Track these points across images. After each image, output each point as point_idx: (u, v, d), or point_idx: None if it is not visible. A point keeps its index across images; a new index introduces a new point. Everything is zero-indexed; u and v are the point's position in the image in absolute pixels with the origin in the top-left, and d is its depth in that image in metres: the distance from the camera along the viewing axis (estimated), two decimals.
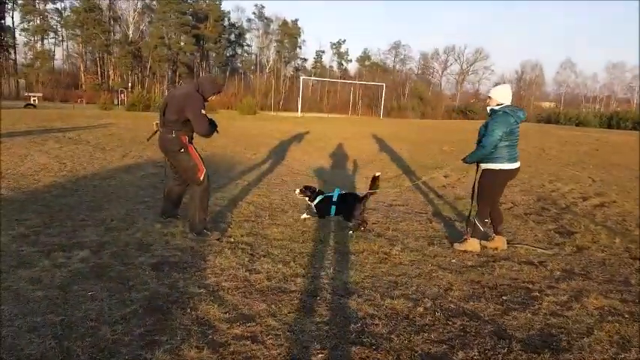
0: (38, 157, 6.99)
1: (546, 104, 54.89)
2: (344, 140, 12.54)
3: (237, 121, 18.49)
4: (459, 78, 64.08)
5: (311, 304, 2.60)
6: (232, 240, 3.71)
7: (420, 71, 66.85)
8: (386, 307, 2.61)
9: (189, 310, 2.43)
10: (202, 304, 2.50)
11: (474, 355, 2.15)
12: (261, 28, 60.83)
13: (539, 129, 19.68)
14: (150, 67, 51.53)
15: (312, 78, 56.48)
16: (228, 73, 57.77)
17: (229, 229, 4.02)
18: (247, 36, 62.30)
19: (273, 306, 2.54)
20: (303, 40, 65.06)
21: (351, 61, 67.46)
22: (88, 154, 7.68)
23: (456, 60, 63.58)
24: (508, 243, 3.93)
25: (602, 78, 62.17)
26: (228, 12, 60.16)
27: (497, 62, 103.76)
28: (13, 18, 47.00)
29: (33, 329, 2.14)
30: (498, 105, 3.66)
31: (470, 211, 3.96)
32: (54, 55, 50.97)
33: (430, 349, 2.19)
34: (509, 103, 3.68)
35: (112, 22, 52.27)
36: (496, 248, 3.83)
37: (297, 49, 63.50)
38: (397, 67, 66.83)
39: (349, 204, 4.17)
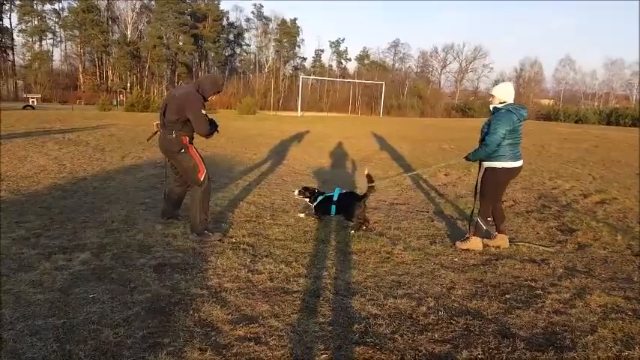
0: (37, 158, 6.98)
1: (545, 101, 54.84)
2: (344, 139, 12.53)
3: (237, 121, 18.48)
4: (457, 76, 64.01)
5: (314, 305, 2.59)
6: (234, 240, 3.70)
7: (419, 69, 66.86)
8: (389, 306, 2.61)
9: (191, 312, 2.42)
10: (205, 306, 2.49)
11: (478, 354, 2.14)
12: (260, 27, 60.77)
13: (538, 126, 19.69)
14: (148, 68, 51.43)
15: (312, 77, 56.43)
16: (227, 73, 57.72)
17: (231, 229, 4.01)
18: (246, 35, 62.25)
19: (275, 307, 2.54)
20: (302, 39, 65.02)
21: (350, 59, 67.48)
22: (88, 155, 7.67)
23: (454, 58, 63.56)
24: (510, 241, 3.92)
25: (600, 75, 61.91)
26: (227, 11, 60.16)
27: (497, 60, 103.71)
28: (10, 19, 46.91)
29: (34, 333, 2.13)
30: (501, 103, 3.65)
31: (472, 210, 3.95)
32: (52, 56, 50.88)
33: (434, 348, 2.18)
34: (512, 101, 3.67)
35: (110, 22, 52.15)
36: (498, 246, 3.83)
37: (296, 48, 63.47)
38: (396, 65, 66.87)
39: (349, 203, 4.17)
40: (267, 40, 61.15)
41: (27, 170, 6.11)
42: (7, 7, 45.62)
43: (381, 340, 2.23)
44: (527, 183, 6.85)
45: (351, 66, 67.73)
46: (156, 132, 3.91)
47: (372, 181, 4.29)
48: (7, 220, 3.86)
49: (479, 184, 3.85)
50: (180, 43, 53.67)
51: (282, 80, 60.11)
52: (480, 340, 2.26)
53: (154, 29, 51.26)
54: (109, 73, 51.66)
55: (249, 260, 3.26)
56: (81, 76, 49.05)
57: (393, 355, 2.11)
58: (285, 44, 61.45)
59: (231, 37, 61.27)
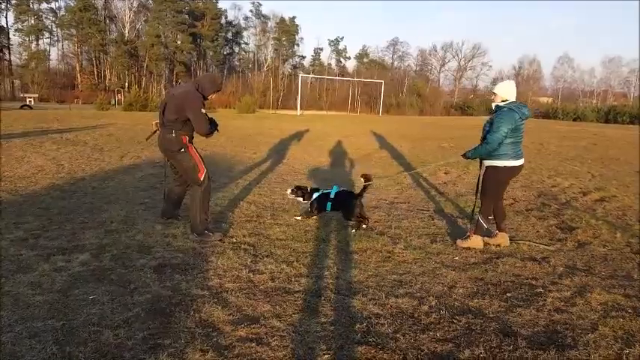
0: (35, 158, 6.95)
1: (544, 99, 54.90)
2: (344, 138, 12.51)
3: (237, 120, 18.45)
4: (456, 74, 64.06)
5: (315, 305, 2.58)
6: (234, 240, 3.69)
7: (418, 68, 66.84)
8: (391, 306, 2.60)
9: (192, 313, 2.40)
10: (206, 306, 2.48)
11: (480, 352, 2.14)
12: (259, 25, 60.69)
13: (537, 124, 19.72)
14: (146, 67, 51.31)
15: (311, 76, 56.38)
16: (225, 72, 57.61)
17: (231, 229, 4.00)
18: (244, 34, 62.17)
19: (277, 307, 2.53)
20: (301, 38, 64.87)
21: (349, 58, 67.43)
22: (86, 155, 7.64)
23: (453, 56, 63.58)
24: (510, 239, 3.92)
25: (598, 72, 62.00)
26: (225, 10, 60.13)
27: (495, 58, 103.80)
28: (6, 18, 46.75)
29: (33, 335, 2.11)
30: (503, 101, 3.64)
31: (473, 208, 3.95)
32: (49, 55, 50.74)
33: (436, 347, 2.17)
34: (513, 100, 3.66)
35: (107, 21, 51.98)
36: (499, 245, 3.82)
37: (295, 47, 63.39)
38: (395, 63, 66.83)
39: (346, 201, 4.17)
40: (266, 38, 61.08)
41: (25, 171, 6.08)
42: (2, 7, 45.44)
43: (383, 339, 2.22)
44: (527, 181, 6.85)
45: (350, 64, 67.85)
46: (155, 131, 3.89)
47: (369, 180, 4.28)
48: (5, 221, 3.84)
49: (480, 183, 3.84)
50: (179, 42, 53.54)
51: (281, 79, 60.05)
52: (482, 339, 2.26)
53: (151, 28, 51.11)
54: (107, 72, 51.52)
55: (250, 260, 3.25)
56: (78, 75, 48.95)
57: (395, 354, 2.10)
58: (284, 43, 61.37)
59: (229, 35, 61.18)
